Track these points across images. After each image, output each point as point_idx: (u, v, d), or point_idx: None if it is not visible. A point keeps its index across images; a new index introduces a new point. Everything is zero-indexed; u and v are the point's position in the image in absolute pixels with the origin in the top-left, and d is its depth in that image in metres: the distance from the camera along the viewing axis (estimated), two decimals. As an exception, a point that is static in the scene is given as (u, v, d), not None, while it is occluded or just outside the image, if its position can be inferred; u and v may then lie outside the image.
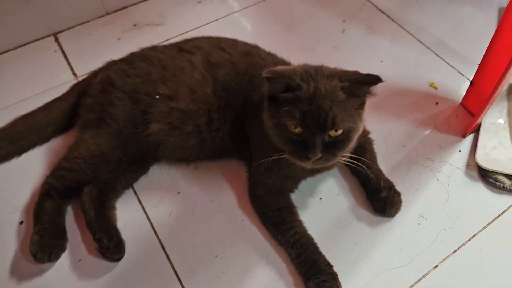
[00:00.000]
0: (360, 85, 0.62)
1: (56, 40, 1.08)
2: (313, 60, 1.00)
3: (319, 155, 0.61)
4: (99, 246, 0.70)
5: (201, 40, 0.84)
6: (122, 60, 0.84)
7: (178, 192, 0.81)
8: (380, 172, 0.79)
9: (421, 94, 0.96)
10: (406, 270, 0.72)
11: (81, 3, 1.09)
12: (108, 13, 1.14)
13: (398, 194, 0.77)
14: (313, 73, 0.62)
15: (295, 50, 1.04)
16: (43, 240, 0.69)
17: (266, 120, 0.66)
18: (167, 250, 0.74)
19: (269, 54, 0.83)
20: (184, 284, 0.70)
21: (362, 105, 0.65)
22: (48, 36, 1.08)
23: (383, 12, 1.14)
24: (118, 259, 0.71)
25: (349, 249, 0.74)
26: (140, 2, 1.18)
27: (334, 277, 0.68)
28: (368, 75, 0.62)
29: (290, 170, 0.72)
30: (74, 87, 0.89)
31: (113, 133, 0.76)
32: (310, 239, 0.72)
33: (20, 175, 0.82)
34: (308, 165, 0.63)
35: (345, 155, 0.66)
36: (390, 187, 0.77)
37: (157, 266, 0.72)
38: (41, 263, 0.69)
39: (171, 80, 0.76)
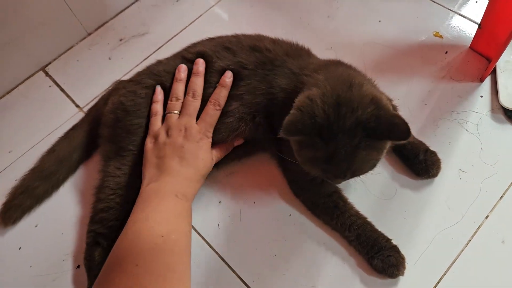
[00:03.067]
0: (384, 141, 0.61)
1: (47, 74, 1.02)
2: (308, 34, 0.99)
3: (341, 182, 0.67)
4: None
5: (204, 44, 0.81)
6: (130, 81, 0.81)
7: (220, 202, 0.80)
8: (412, 137, 0.79)
9: (428, 47, 0.95)
10: (460, 226, 0.73)
11: (61, 29, 1.02)
12: (89, 34, 1.08)
13: (435, 153, 0.78)
14: (331, 115, 0.58)
15: (287, 27, 1.01)
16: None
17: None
18: (227, 261, 0.74)
19: (275, 42, 0.80)
20: (253, 289, 0.71)
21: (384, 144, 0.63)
22: (37, 71, 1.02)
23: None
24: None
25: (400, 219, 0.75)
26: (117, 15, 1.11)
27: (396, 250, 0.70)
28: (395, 130, 0.58)
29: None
30: (89, 111, 0.88)
31: (137, 159, 0.74)
32: (364, 219, 0.72)
33: (59, 219, 0.80)
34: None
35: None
36: (426, 149, 0.78)
37: (223, 279, 0.72)
38: None
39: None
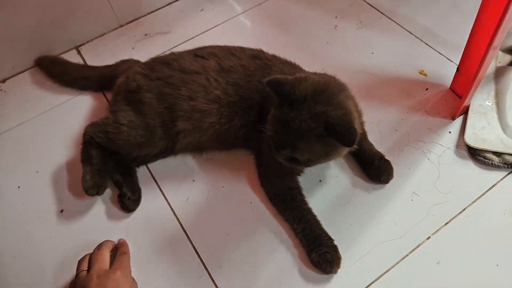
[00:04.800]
0: (337, 140, 0.66)
1: (79, 52, 1.19)
2: (308, 56, 1.10)
3: (281, 159, 0.72)
4: (122, 198, 0.85)
5: (213, 47, 0.93)
6: (145, 64, 0.93)
7: (193, 180, 0.91)
8: (371, 145, 0.88)
9: (411, 82, 1.04)
10: (401, 241, 0.79)
11: (98, 18, 1.20)
12: (121, 25, 1.26)
13: (389, 162, 0.86)
14: (307, 101, 0.67)
15: (292, 48, 1.12)
16: (94, 179, 0.85)
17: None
18: (186, 231, 0.84)
19: (274, 56, 0.91)
20: (202, 258, 0.80)
21: (335, 147, 0.70)
22: (71, 49, 1.20)
23: (373, 7, 1.22)
24: (133, 211, 0.86)
25: (348, 225, 0.82)
26: (149, 13, 1.28)
27: (334, 249, 0.77)
28: (345, 135, 0.65)
29: None
30: (105, 68, 1.06)
31: (145, 127, 0.85)
32: (314, 216, 0.80)
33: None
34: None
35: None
36: (381, 157, 0.86)
37: (180, 246, 0.82)
38: (92, 196, 0.85)
39: (189, 82, 0.85)
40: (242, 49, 0.92)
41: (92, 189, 0.84)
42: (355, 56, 1.10)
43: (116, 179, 0.88)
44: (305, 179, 0.87)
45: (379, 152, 0.88)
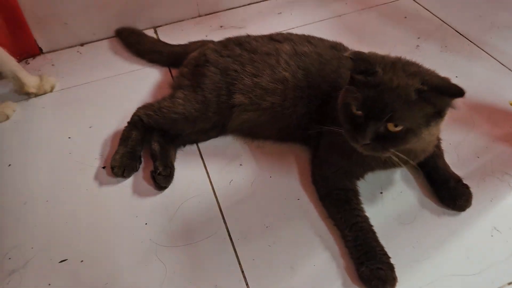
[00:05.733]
0: (439, 94, 0.60)
1: (155, 32, 1.23)
2: None
3: (367, 141, 0.61)
4: (154, 172, 0.80)
5: (291, 34, 0.90)
6: (219, 42, 0.93)
7: (240, 164, 0.84)
8: (447, 165, 0.77)
9: (499, 111, 0.92)
10: (474, 280, 0.65)
11: (180, 5, 1.24)
12: (200, 15, 1.29)
13: (467, 186, 0.73)
14: (398, 66, 0.63)
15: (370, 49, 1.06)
16: (122, 159, 0.82)
17: (340, 97, 0.68)
18: (223, 212, 0.76)
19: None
20: (235, 245, 0.71)
21: (436, 114, 0.62)
22: (149, 28, 1.24)
23: (460, 34, 1.14)
24: (163, 188, 0.80)
25: (408, 246, 0.69)
26: (228, 9, 1.31)
27: (390, 267, 0.64)
28: (451, 85, 0.60)
29: (362, 157, 0.69)
30: (175, 46, 1.08)
31: (200, 99, 0.83)
32: (370, 226, 0.69)
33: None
34: (356, 147, 0.64)
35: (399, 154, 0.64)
36: (458, 179, 0.74)
37: (213, 224, 0.74)
38: (116, 176, 0.82)
39: (257, 61, 0.82)
40: (320, 39, 0.88)
41: (118, 169, 0.81)
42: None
43: (153, 152, 0.83)
44: (364, 188, 0.77)
45: (455, 174, 0.76)
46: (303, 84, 0.79)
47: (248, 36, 0.92)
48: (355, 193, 0.73)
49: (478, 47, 1.10)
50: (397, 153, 0.63)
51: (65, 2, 1.10)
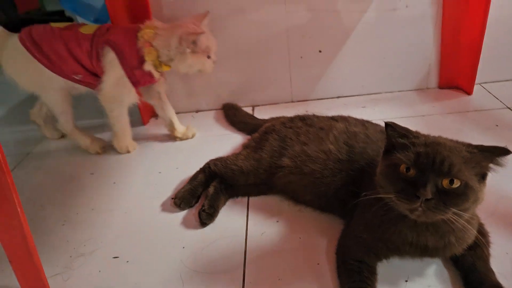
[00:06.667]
0: (487, 152, 0.62)
1: (253, 109, 1.50)
2: None
3: (430, 196, 0.59)
4: (201, 209, 0.93)
5: (351, 117, 1.01)
6: (289, 117, 1.10)
7: (277, 221, 0.92)
8: (491, 272, 0.68)
9: None
10: None
11: (278, 91, 1.50)
12: (292, 101, 1.51)
13: None
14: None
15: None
16: (184, 194, 1.00)
17: (379, 166, 0.70)
18: (246, 256, 0.84)
19: None
20: (245, 287, 0.76)
21: (483, 176, 0.64)
22: (249, 106, 1.52)
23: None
24: (204, 224, 0.93)
25: None
26: (318, 99, 1.50)
27: None
28: (496, 146, 0.63)
29: (388, 233, 0.70)
30: (260, 120, 1.31)
31: (257, 158, 0.99)
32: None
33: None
34: (415, 207, 0.60)
35: (458, 219, 0.61)
36: (497, 284, 0.66)
37: (234, 263, 0.82)
38: (175, 206, 1.00)
39: (311, 133, 0.95)
40: (375, 124, 0.96)
41: (178, 200, 0.99)
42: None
43: (207, 193, 0.98)
44: (389, 271, 0.74)
45: (499, 284, 0.67)
46: (344, 158, 0.86)
47: (313, 115, 1.06)
48: (371, 270, 0.72)
49: None
50: (456, 216, 0.61)
51: (194, 79, 1.48)
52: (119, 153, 1.29)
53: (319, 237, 0.86)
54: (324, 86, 1.48)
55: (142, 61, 1.13)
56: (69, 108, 1.24)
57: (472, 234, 0.70)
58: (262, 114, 1.44)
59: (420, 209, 0.60)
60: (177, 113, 1.48)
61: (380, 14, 1.34)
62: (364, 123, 0.95)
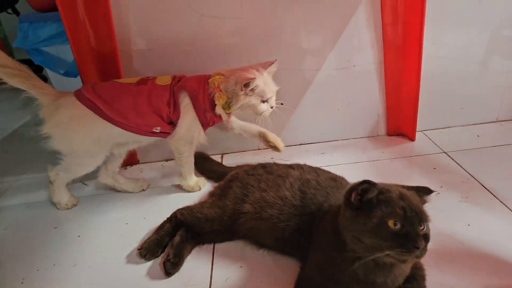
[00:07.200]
0: (419, 193, 0.79)
1: (221, 157, 1.59)
2: None
3: (424, 243, 0.69)
4: (165, 259, 0.98)
5: (306, 165, 1.12)
6: (252, 165, 1.19)
7: (241, 266, 0.99)
8: None
9: (504, 264, 0.90)
10: None
11: (245, 141, 1.59)
12: (259, 149, 1.63)
13: None
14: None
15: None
16: (149, 245, 1.04)
17: (356, 224, 0.74)
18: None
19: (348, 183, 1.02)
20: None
21: None
22: (218, 154, 1.62)
23: (486, 189, 1.17)
24: (169, 274, 0.97)
25: None
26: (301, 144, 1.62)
27: None
28: (423, 187, 0.81)
29: (340, 273, 0.78)
30: (227, 167, 1.40)
31: (221, 205, 1.06)
32: None
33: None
34: (416, 255, 0.69)
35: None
36: None
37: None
38: (139, 257, 1.04)
39: (270, 180, 1.05)
40: (326, 171, 1.07)
41: (143, 250, 1.03)
42: (448, 222, 1.05)
43: (172, 243, 1.03)
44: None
45: None
46: (298, 204, 0.96)
47: (274, 163, 1.17)
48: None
49: (500, 202, 1.11)
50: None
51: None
52: (188, 191, 1.35)
53: (280, 280, 0.93)
54: (287, 134, 1.60)
55: (213, 105, 1.24)
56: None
57: (410, 265, 0.80)
58: (230, 161, 1.54)
59: (418, 253, 0.69)
60: (146, 162, 1.54)
61: (333, 72, 1.51)
62: (316, 170, 1.07)
